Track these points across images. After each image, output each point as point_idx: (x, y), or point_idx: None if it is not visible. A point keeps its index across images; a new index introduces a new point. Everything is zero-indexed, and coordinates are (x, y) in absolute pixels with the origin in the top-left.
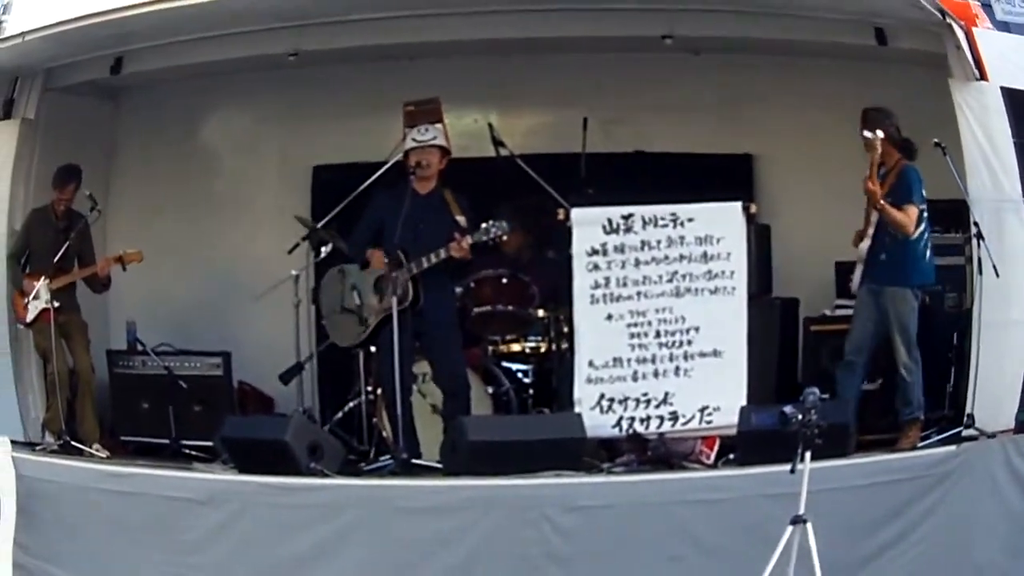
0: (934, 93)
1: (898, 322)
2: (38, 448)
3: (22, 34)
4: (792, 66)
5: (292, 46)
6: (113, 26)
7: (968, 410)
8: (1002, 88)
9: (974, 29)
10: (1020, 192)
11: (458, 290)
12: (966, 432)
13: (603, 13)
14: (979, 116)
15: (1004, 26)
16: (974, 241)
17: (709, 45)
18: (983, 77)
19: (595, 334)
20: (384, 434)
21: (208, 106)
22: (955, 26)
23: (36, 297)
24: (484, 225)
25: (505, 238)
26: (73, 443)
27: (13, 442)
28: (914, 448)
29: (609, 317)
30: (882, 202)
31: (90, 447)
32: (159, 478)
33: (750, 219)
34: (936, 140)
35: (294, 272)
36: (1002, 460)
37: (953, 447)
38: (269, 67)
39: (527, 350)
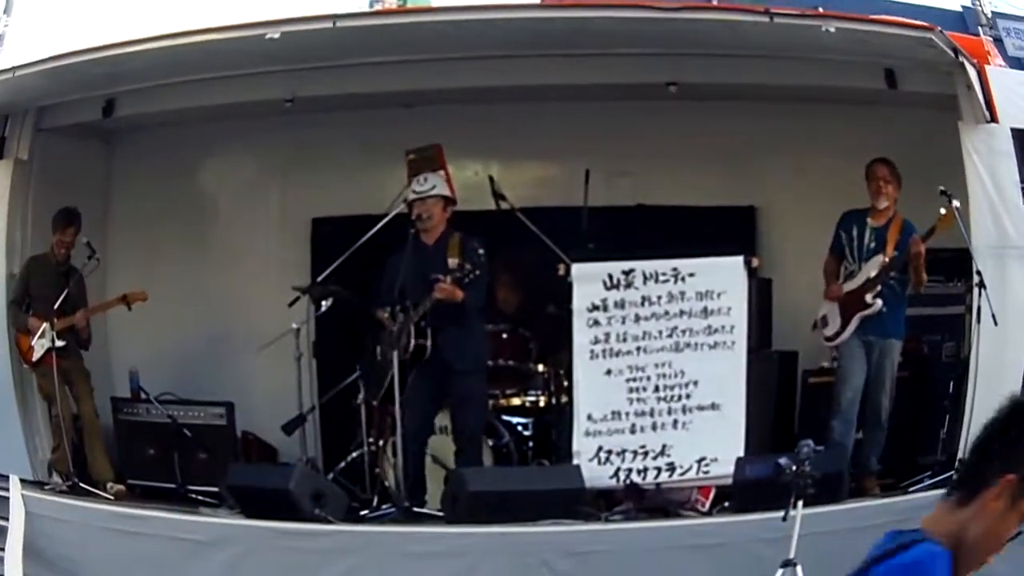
0: (941, 137)
1: (890, 373)
2: (46, 487)
3: (12, 69)
4: (797, 112)
5: (288, 91)
6: (105, 64)
7: (960, 455)
8: (1012, 129)
9: (987, 67)
10: None
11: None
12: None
13: (607, 60)
14: (987, 160)
15: (1017, 62)
16: (975, 290)
17: (714, 92)
18: (993, 119)
19: (594, 388)
20: (386, 483)
21: (204, 153)
22: (968, 65)
23: (42, 336)
24: (461, 263)
25: (478, 272)
26: (82, 485)
27: (22, 481)
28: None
29: (608, 372)
30: (924, 265)
31: (104, 488)
32: (167, 520)
33: (752, 273)
34: (942, 188)
35: (295, 325)
36: None
37: (943, 490)
38: (266, 114)
39: (527, 404)
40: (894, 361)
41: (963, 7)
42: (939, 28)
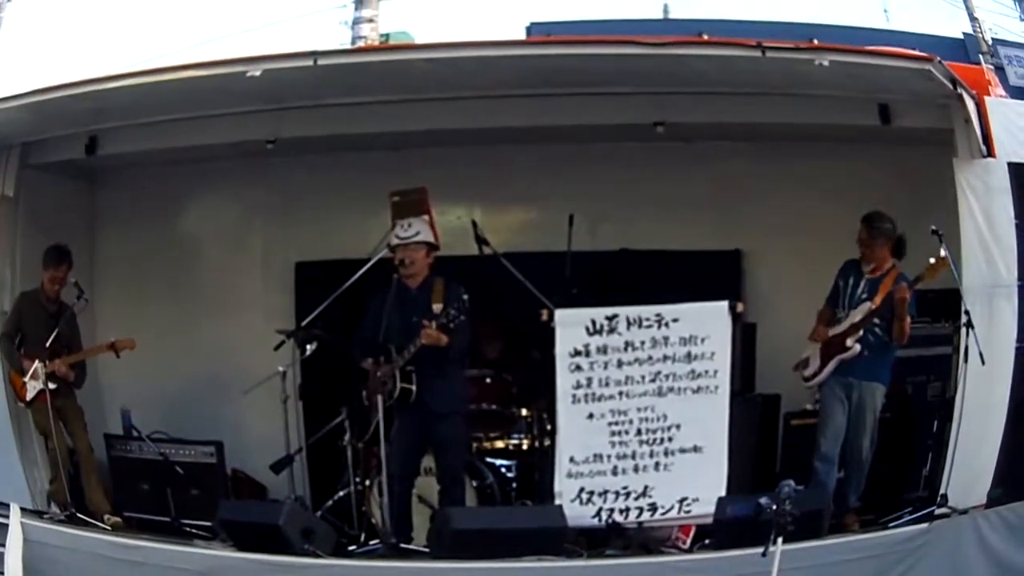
0: (934, 174)
1: (872, 415)
2: (45, 516)
3: None
4: (786, 152)
5: (270, 132)
6: (87, 99)
7: (942, 490)
8: (1009, 164)
9: (986, 98)
10: (1016, 275)
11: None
12: (939, 511)
13: (593, 99)
14: (982, 197)
15: (1019, 92)
16: (963, 330)
17: (702, 132)
18: (990, 153)
19: (576, 432)
20: (373, 521)
21: (188, 195)
22: (966, 96)
23: (34, 377)
24: (446, 308)
25: (463, 318)
26: (80, 515)
27: (21, 509)
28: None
29: (591, 416)
30: (908, 316)
31: (101, 519)
32: (163, 550)
33: (736, 318)
34: (934, 228)
35: (281, 368)
36: (972, 533)
37: (924, 525)
38: (248, 155)
39: (510, 446)
40: (876, 404)
41: (964, 34)
42: (938, 58)
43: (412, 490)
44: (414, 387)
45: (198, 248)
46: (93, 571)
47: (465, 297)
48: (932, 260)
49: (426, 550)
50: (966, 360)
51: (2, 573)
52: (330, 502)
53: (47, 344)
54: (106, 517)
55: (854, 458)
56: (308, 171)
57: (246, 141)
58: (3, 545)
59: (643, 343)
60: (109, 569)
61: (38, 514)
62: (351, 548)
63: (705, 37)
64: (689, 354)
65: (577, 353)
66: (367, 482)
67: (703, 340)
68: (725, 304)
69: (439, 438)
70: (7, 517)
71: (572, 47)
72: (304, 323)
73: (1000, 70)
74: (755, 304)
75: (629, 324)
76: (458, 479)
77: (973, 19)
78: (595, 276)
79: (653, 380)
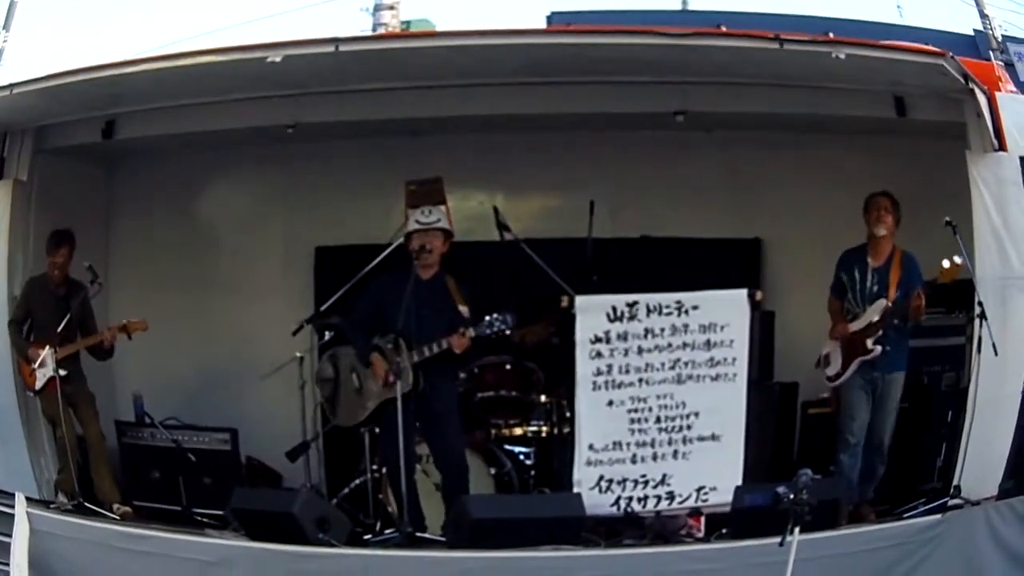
0: (950, 167)
1: (893, 407)
2: (52, 506)
3: (10, 86)
4: (805, 143)
5: (290, 118)
6: (105, 84)
7: (956, 481)
8: (1021, 158)
9: (997, 94)
10: None
11: (462, 375)
12: (952, 502)
13: (614, 88)
14: (994, 190)
15: None
16: (976, 321)
17: (721, 122)
18: (1002, 147)
19: (596, 419)
20: (389, 509)
21: (206, 180)
22: (978, 92)
23: (43, 365)
24: (488, 318)
25: (508, 332)
26: (88, 505)
27: (27, 499)
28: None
29: (610, 403)
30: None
31: (109, 508)
32: (173, 540)
33: (755, 306)
34: (947, 219)
35: (298, 354)
36: (984, 525)
37: (938, 516)
38: (268, 140)
39: (529, 434)
40: (897, 394)
41: (975, 31)
42: (951, 54)
43: (414, 478)
44: (422, 380)
45: (216, 233)
46: (100, 562)
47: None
48: (946, 264)
49: (442, 539)
50: (979, 351)
51: (7, 564)
52: (346, 490)
53: (58, 329)
54: (116, 507)
55: (876, 451)
56: (328, 156)
57: (266, 126)
58: (9, 535)
59: (663, 330)
60: (116, 559)
61: (44, 504)
62: (366, 537)
63: (723, 29)
64: (708, 341)
65: (597, 340)
66: (384, 469)
67: (722, 328)
68: (744, 292)
69: (440, 432)
70: (13, 507)
71: (592, 36)
72: (322, 308)
73: (1010, 67)
74: (773, 292)
75: (649, 311)
76: (462, 467)
77: (984, 16)
78: (615, 263)
79: (672, 367)
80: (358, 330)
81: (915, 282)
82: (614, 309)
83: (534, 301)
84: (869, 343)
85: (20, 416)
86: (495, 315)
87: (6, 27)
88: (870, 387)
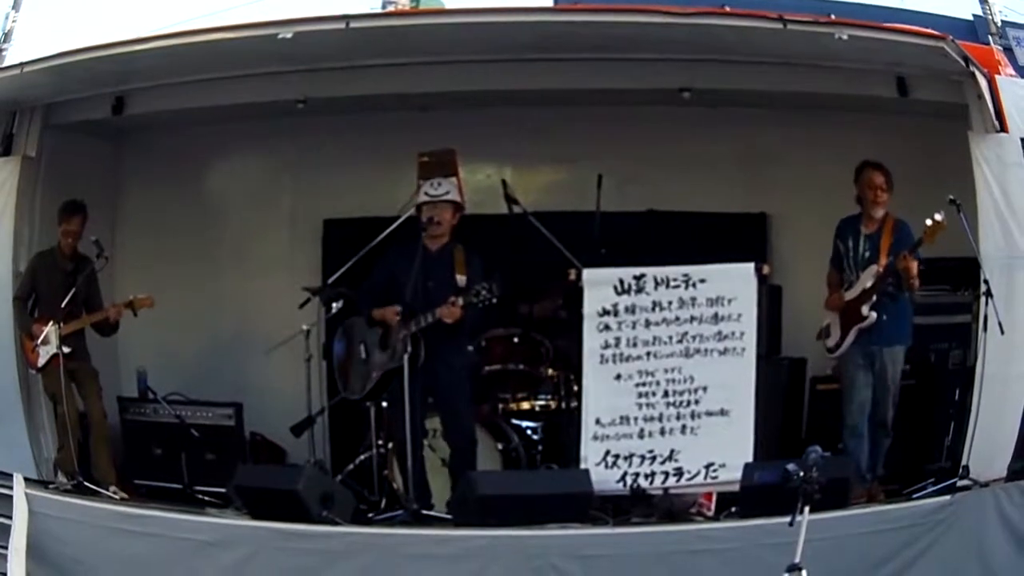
0: (951, 146)
1: (893, 382)
2: (51, 487)
3: (20, 65)
4: (809, 120)
5: (300, 92)
6: (115, 62)
7: (964, 462)
8: (1022, 139)
9: (997, 77)
10: None
11: (470, 348)
12: (961, 483)
13: (620, 64)
14: (996, 170)
15: None
16: (983, 299)
17: (727, 99)
18: (1003, 128)
19: (603, 393)
20: (395, 486)
21: (215, 154)
22: (978, 74)
23: (46, 342)
24: (474, 287)
25: (494, 300)
26: (87, 484)
27: (25, 480)
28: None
29: (618, 377)
30: (916, 275)
31: (106, 489)
32: (172, 520)
33: (762, 280)
34: (951, 197)
35: (305, 327)
36: (993, 507)
37: (947, 496)
38: (277, 115)
39: (536, 408)
40: (898, 368)
41: (974, 16)
42: (951, 37)
43: (422, 453)
44: (422, 352)
45: (224, 206)
46: (98, 543)
47: (494, 283)
48: (929, 222)
49: (448, 517)
50: (985, 329)
51: (6, 546)
52: (351, 466)
53: (63, 304)
54: (112, 489)
55: (880, 425)
56: (337, 131)
57: (276, 101)
58: (8, 517)
59: (670, 303)
60: (115, 540)
61: (43, 484)
62: (371, 515)
63: (727, 9)
64: (716, 315)
65: (605, 313)
66: (389, 445)
67: (730, 301)
68: (751, 266)
69: (449, 404)
70: (11, 487)
71: (599, 15)
72: (330, 280)
73: (1009, 51)
74: (780, 267)
75: (657, 284)
76: (471, 441)
77: (983, 1)
78: (623, 236)
79: (680, 341)
80: (368, 296)
81: (905, 246)
82: (621, 282)
83: (542, 274)
84: (864, 309)
85: (21, 394)
86: (484, 284)
87: (15, 7)
88: (868, 361)
